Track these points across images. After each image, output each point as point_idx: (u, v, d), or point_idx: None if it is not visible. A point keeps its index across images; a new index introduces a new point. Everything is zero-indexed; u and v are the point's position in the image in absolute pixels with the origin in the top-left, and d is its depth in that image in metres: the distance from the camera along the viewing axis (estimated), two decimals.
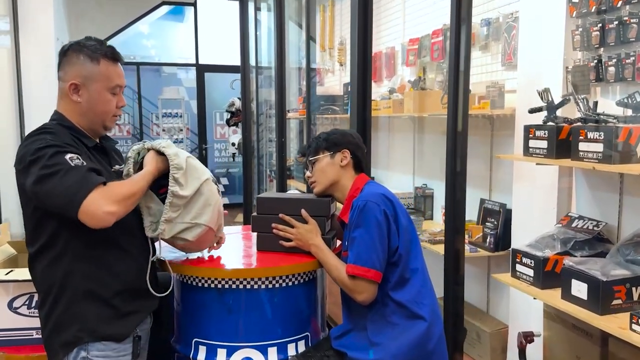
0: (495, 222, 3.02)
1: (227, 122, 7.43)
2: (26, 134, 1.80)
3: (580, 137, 2.05)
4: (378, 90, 4.19)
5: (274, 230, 2.01)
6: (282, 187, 4.92)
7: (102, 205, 1.57)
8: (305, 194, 2.26)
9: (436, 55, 3.59)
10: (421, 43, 3.77)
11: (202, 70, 8.54)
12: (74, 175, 1.57)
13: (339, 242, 2.14)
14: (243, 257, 2.15)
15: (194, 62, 8.51)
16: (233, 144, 7.72)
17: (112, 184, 1.64)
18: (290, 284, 1.92)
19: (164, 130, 8.22)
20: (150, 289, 1.79)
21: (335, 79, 5.58)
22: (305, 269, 1.94)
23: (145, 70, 8.41)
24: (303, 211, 1.98)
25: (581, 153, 2.05)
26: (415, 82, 3.52)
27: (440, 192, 3.75)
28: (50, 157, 1.59)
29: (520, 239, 2.65)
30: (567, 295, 2.07)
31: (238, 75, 6.49)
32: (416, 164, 4.11)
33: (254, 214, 2.06)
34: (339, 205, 2.05)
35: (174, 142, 8.21)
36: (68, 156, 1.60)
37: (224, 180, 9.00)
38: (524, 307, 2.74)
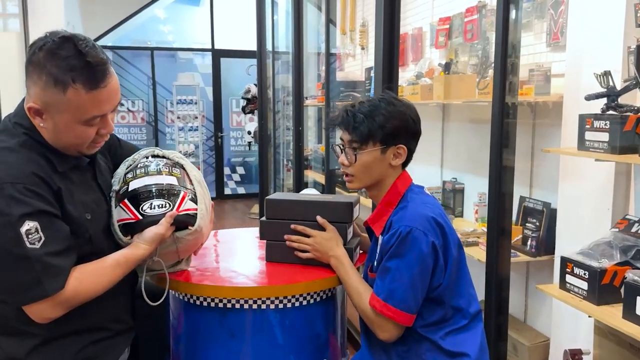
0: (538, 224, 2.69)
1: (243, 109, 7.19)
2: None
3: None
4: (403, 75, 3.84)
5: (287, 243, 1.71)
6: (299, 179, 4.66)
7: (48, 313, 1.30)
8: (323, 195, 1.94)
9: (470, 36, 3.24)
10: (452, 22, 3.42)
11: (218, 55, 8.27)
12: (27, 270, 1.25)
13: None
14: (249, 270, 1.83)
15: (209, 47, 8.24)
16: (249, 132, 7.47)
17: (80, 284, 1.31)
18: (305, 303, 1.61)
19: (178, 117, 7.98)
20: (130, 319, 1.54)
21: (357, 64, 5.24)
22: (324, 285, 1.63)
23: (160, 56, 8.17)
24: (319, 217, 1.68)
25: None
26: (447, 66, 3.17)
27: (472, 187, 3.43)
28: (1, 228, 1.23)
29: (566, 243, 2.34)
30: (631, 315, 1.75)
31: (254, 61, 6.20)
32: (444, 155, 3.77)
33: (263, 218, 1.76)
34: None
35: (189, 130, 8.10)
36: (25, 228, 1.24)
37: (240, 170, 8.75)
38: (569, 319, 2.42)
